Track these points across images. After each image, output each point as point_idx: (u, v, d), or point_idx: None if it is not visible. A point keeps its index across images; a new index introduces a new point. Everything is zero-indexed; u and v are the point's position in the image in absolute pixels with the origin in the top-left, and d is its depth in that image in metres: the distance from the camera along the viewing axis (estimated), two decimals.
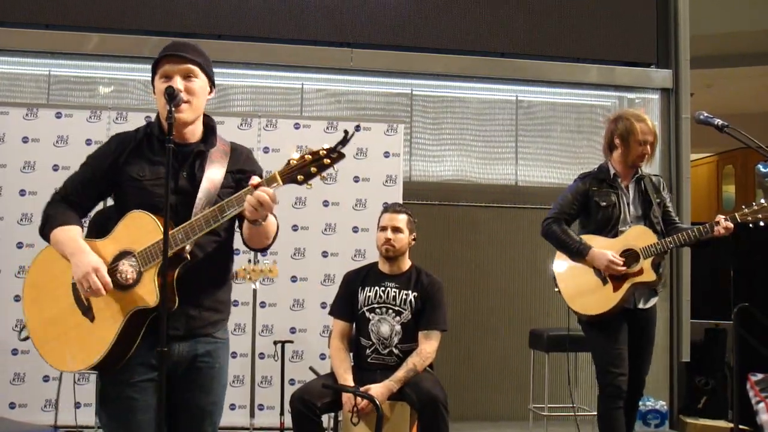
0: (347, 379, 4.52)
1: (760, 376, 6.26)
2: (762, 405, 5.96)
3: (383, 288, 4.73)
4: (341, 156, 2.69)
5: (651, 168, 4.82)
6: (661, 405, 6.53)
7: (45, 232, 2.95)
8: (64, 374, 5.52)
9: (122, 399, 2.86)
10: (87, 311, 2.87)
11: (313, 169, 2.69)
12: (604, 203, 4.69)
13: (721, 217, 4.49)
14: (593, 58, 7.44)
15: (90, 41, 6.64)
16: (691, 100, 7.44)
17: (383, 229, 4.76)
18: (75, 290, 2.89)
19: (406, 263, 4.82)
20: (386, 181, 6.20)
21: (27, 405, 5.75)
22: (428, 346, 4.62)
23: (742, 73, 10.69)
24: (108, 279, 2.80)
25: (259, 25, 6.90)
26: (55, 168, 5.83)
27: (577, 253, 4.66)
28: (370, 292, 4.74)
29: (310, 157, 2.70)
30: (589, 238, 4.70)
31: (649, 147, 4.69)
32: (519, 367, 6.78)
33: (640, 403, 6.15)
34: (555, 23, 7.37)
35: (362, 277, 4.83)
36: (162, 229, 2.75)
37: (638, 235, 4.63)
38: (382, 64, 7.08)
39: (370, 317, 4.69)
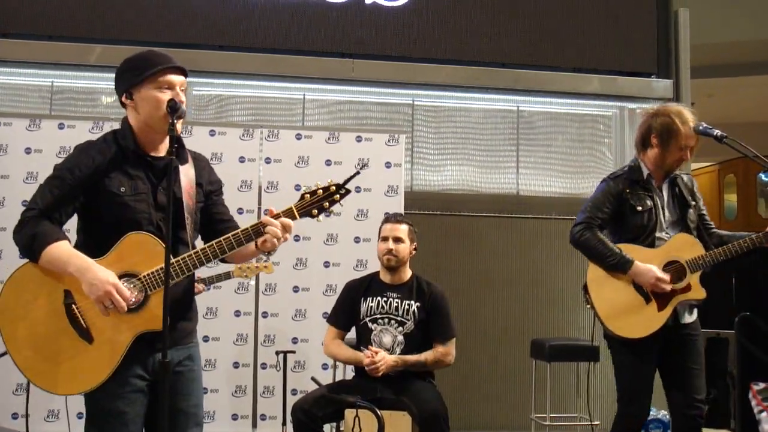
0: (361, 356, 4.60)
1: (762, 385, 6.25)
2: (764, 414, 5.95)
3: (385, 298, 4.74)
4: (348, 192, 2.93)
5: None
6: (663, 414, 6.51)
7: (34, 249, 2.81)
8: None
9: (113, 413, 2.84)
10: (84, 333, 2.82)
11: (325, 204, 2.90)
12: (640, 207, 4.13)
13: None
14: (594, 68, 7.44)
15: (92, 52, 6.65)
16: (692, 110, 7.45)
17: (384, 239, 4.78)
18: (69, 311, 2.82)
19: (407, 273, 4.83)
20: (388, 191, 6.21)
21: (30, 415, 5.75)
22: (446, 350, 4.69)
23: (742, 82, 10.70)
24: (128, 294, 2.77)
25: (261, 36, 6.92)
26: None
27: (618, 267, 4.06)
28: (372, 302, 4.75)
29: (322, 192, 2.90)
30: (626, 248, 4.13)
31: (689, 152, 4.14)
32: (521, 376, 6.78)
33: None
34: (556, 34, 7.38)
35: (364, 287, 4.84)
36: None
37: (682, 246, 4.10)
38: (383, 75, 7.09)
39: (373, 327, 4.70)
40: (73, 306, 2.82)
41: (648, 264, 4.04)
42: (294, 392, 5.66)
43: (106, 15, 6.73)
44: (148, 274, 2.82)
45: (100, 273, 2.76)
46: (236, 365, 5.92)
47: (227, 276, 5.30)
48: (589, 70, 7.43)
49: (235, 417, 5.91)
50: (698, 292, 4.09)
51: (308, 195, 2.90)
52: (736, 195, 10.95)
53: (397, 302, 4.72)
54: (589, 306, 4.18)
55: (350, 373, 4.99)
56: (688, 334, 4.17)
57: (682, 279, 4.06)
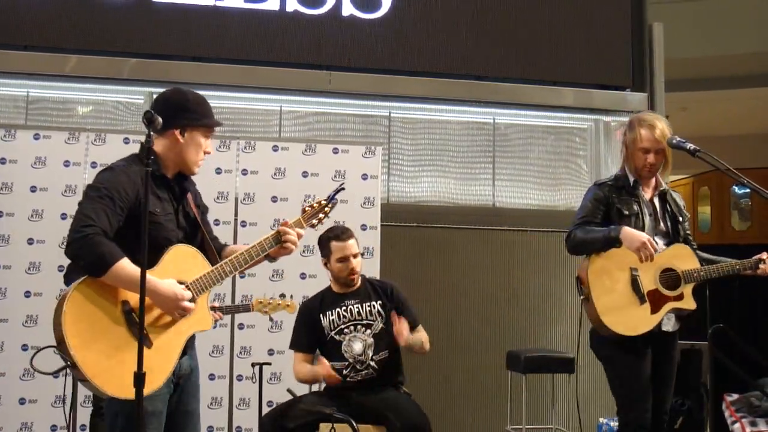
0: (317, 368, 4.55)
1: (735, 396, 6.31)
2: (738, 425, 6.00)
3: (344, 307, 4.71)
4: (336, 203, 3.62)
5: None
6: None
7: (102, 267, 2.97)
8: (40, 397, 5.49)
9: (155, 413, 3.10)
10: (144, 339, 3.01)
11: (321, 215, 3.57)
12: (627, 212, 4.15)
13: (766, 255, 4.05)
14: (569, 81, 7.48)
15: (68, 62, 6.61)
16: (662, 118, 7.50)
17: (343, 259, 4.71)
18: (129, 320, 3.02)
19: (358, 279, 4.82)
20: (364, 203, 6.21)
21: (3, 428, 5.69)
22: (426, 336, 4.74)
23: (716, 96, 10.81)
24: (191, 306, 3.10)
25: (238, 48, 6.90)
26: (33, 189, 5.80)
27: (610, 239, 4.05)
28: (332, 315, 4.70)
29: (317, 205, 3.56)
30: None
31: (652, 156, 4.15)
32: (496, 388, 6.79)
33: (614, 422, 6.17)
34: (531, 47, 7.42)
35: (319, 303, 4.78)
36: (207, 262, 3.26)
37: (680, 256, 4.14)
38: (360, 87, 7.08)
39: (341, 339, 4.65)
40: (133, 314, 3.03)
41: (646, 266, 4.05)
42: (270, 404, 5.62)
43: (81, 25, 6.68)
44: (194, 281, 3.14)
45: (169, 289, 3.05)
46: (212, 377, 5.90)
47: (246, 308, 5.26)
48: (564, 84, 7.46)
49: (210, 429, 5.88)
50: (690, 303, 4.10)
51: (308, 208, 3.54)
52: (709, 207, 11.03)
53: (356, 307, 4.70)
54: (583, 297, 4.14)
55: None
56: (669, 344, 4.19)
57: (677, 287, 4.09)
